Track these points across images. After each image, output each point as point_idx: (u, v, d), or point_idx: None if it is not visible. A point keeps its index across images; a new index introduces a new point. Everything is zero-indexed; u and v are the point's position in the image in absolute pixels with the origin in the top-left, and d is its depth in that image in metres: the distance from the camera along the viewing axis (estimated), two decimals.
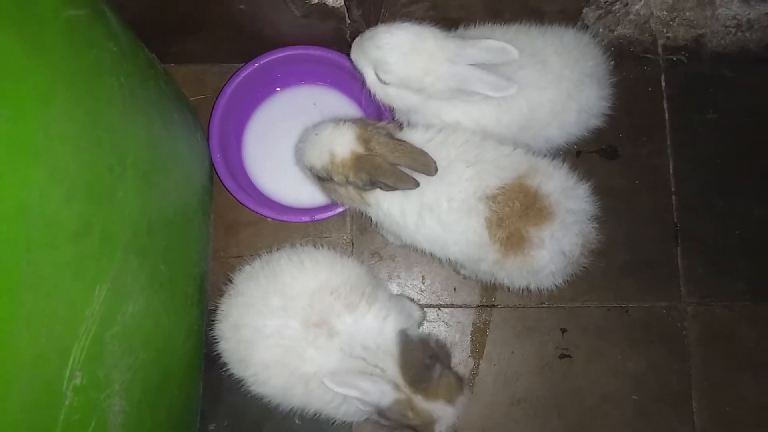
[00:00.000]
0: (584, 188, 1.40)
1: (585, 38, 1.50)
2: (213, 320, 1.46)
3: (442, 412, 1.32)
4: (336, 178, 1.39)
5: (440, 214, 1.35)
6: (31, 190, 0.80)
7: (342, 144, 1.36)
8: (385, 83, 1.43)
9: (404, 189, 1.33)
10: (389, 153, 1.33)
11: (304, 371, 1.30)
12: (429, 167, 1.31)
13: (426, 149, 1.35)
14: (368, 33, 1.41)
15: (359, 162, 1.34)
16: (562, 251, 1.35)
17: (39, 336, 0.82)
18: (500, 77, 1.32)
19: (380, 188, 1.36)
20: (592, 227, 1.41)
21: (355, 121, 1.40)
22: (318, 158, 1.40)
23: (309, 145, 1.42)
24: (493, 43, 1.33)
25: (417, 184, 1.31)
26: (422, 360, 1.31)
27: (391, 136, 1.37)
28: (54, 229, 0.85)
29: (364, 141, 1.35)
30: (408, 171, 1.32)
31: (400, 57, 1.36)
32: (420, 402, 1.30)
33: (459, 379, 1.39)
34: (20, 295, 0.78)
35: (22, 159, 0.78)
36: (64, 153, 0.88)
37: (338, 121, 1.41)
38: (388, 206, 1.40)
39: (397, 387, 1.29)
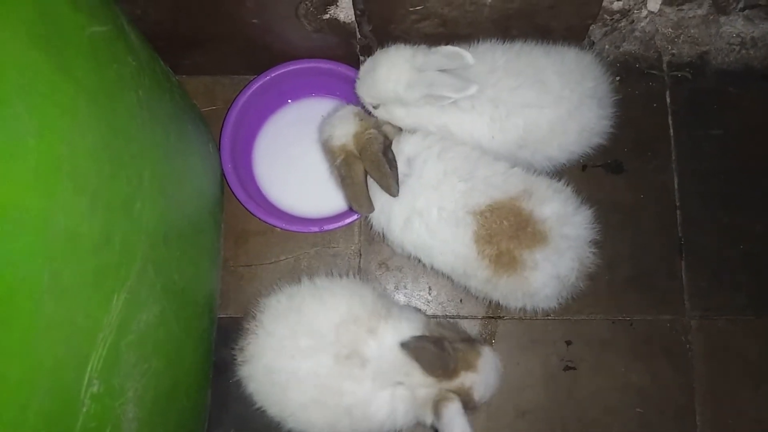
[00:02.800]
0: (585, 214, 1.41)
1: (587, 58, 1.52)
2: (239, 359, 1.46)
3: (470, 381, 1.34)
4: (326, 157, 1.53)
5: (429, 221, 1.39)
6: (55, 202, 0.82)
7: (340, 132, 1.47)
8: (375, 107, 1.54)
9: (355, 210, 1.45)
10: (368, 163, 1.41)
11: (346, 404, 1.32)
12: (389, 190, 1.38)
13: (422, 157, 1.43)
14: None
15: (346, 159, 1.45)
16: (557, 275, 1.37)
17: (59, 344, 0.84)
18: (460, 79, 1.38)
19: (340, 188, 1.51)
20: (590, 252, 1.42)
21: (364, 118, 1.51)
22: (323, 133, 1.53)
23: (326, 120, 1.55)
24: (449, 48, 1.40)
25: (369, 211, 1.43)
26: (433, 352, 1.31)
27: (385, 148, 1.43)
28: (76, 240, 0.87)
29: (357, 141, 1.45)
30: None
31: (368, 77, 1.49)
32: (448, 385, 1.32)
33: (470, 342, 1.40)
34: (42, 304, 0.80)
35: (47, 171, 0.81)
36: (87, 166, 0.91)
37: (356, 111, 1.52)
38: (378, 205, 1.45)
39: (427, 385, 1.31)
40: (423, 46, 1.48)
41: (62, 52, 0.89)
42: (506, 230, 1.33)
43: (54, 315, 0.82)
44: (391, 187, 1.37)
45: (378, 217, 1.48)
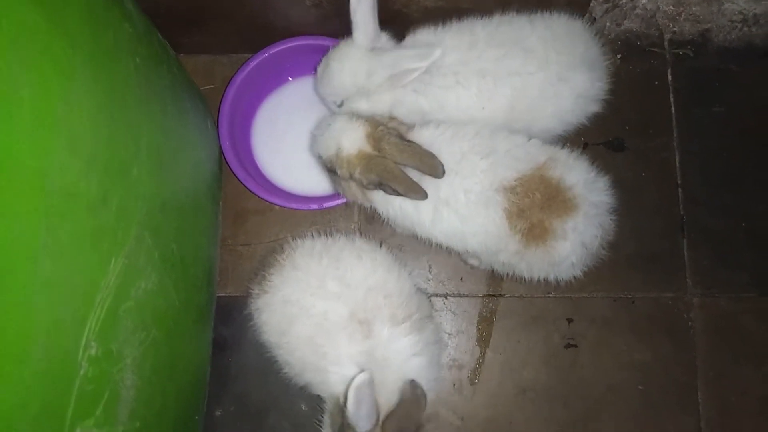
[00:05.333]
0: (604, 181, 1.40)
1: (575, 23, 1.51)
2: (256, 291, 1.44)
3: None
4: (339, 172, 1.41)
5: (458, 207, 1.36)
6: (51, 158, 0.82)
7: (351, 139, 1.38)
8: (339, 105, 1.54)
9: (413, 199, 1.34)
10: (398, 154, 1.35)
11: (325, 351, 1.31)
12: (436, 169, 1.32)
13: (437, 144, 1.37)
14: None
15: (369, 162, 1.36)
16: (583, 243, 1.36)
17: (56, 303, 0.84)
18: (421, 47, 1.38)
19: (385, 192, 1.37)
20: (611, 219, 1.42)
21: (369, 118, 1.42)
22: (326, 149, 1.42)
23: (320, 134, 1.45)
24: (417, 50, 1.40)
25: (426, 196, 1.33)
26: (409, 424, 1.28)
27: (401, 137, 1.39)
28: (73, 198, 0.86)
29: (374, 140, 1.37)
30: (417, 174, 1.34)
31: (325, 76, 1.49)
32: None
33: None
34: (39, 261, 0.79)
35: (43, 127, 0.80)
36: (83, 126, 0.90)
37: (353, 115, 1.43)
38: (401, 203, 1.41)
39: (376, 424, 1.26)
40: (383, 36, 1.48)
41: (58, 11, 0.88)
42: (538, 202, 1.30)
43: (51, 273, 0.82)
44: (436, 166, 1.32)
45: (405, 217, 1.44)
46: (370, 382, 1.20)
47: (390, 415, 1.26)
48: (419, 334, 1.34)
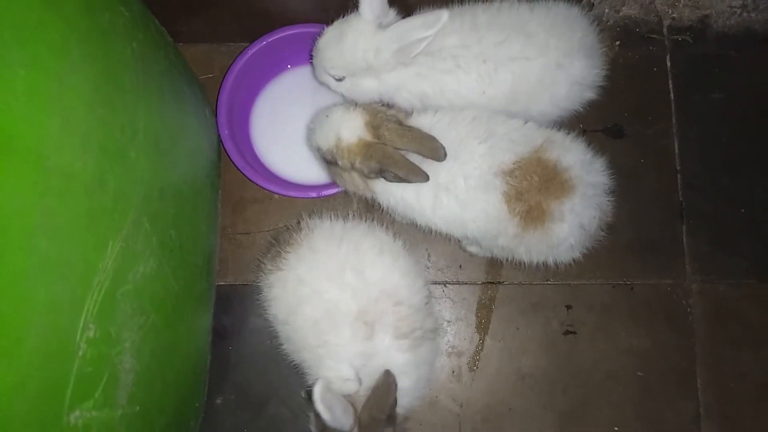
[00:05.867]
0: (601, 162, 1.41)
1: (573, 10, 1.50)
2: (268, 267, 1.43)
3: None
4: (341, 163, 1.40)
5: (458, 193, 1.36)
6: (47, 137, 0.82)
7: (350, 129, 1.37)
8: (339, 79, 1.51)
9: (415, 182, 1.33)
10: (398, 139, 1.34)
11: (327, 339, 1.31)
12: (437, 152, 1.32)
13: (435, 130, 1.37)
14: (314, 46, 1.53)
15: (369, 150, 1.35)
16: (581, 224, 1.36)
17: (53, 282, 0.84)
18: (426, 16, 1.36)
19: (386, 179, 1.37)
20: (608, 200, 1.42)
21: (366, 107, 1.42)
22: (325, 140, 1.42)
23: (318, 126, 1.44)
24: (424, 17, 1.36)
25: (428, 178, 1.32)
26: (380, 413, 1.26)
27: (400, 123, 1.38)
28: (69, 179, 0.86)
29: (373, 128, 1.37)
30: (417, 160, 1.33)
31: (333, 48, 1.46)
32: None
33: None
34: (35, 240, 0.79)
35: (37, 106, 0.80)
36: (78, 106, 0.90)
37: (350, 105, 1.43)
38: (402, 192, 1.41)
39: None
40: (391, 12, 1.46)
41: None
42: (535, 185, 1.30)
43: (48, 252, 0.82)
44: (437, 148, 1.31)
45: (406, 206, 1.44)
46: (327, 387, 1.19)
47: (363, 407, 1.26)
48: (414, 353, 1.34)
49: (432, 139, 1.33)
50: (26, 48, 0.79)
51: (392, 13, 1.46)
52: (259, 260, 1.52)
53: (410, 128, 1.36)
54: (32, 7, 0.82)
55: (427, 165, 1.34)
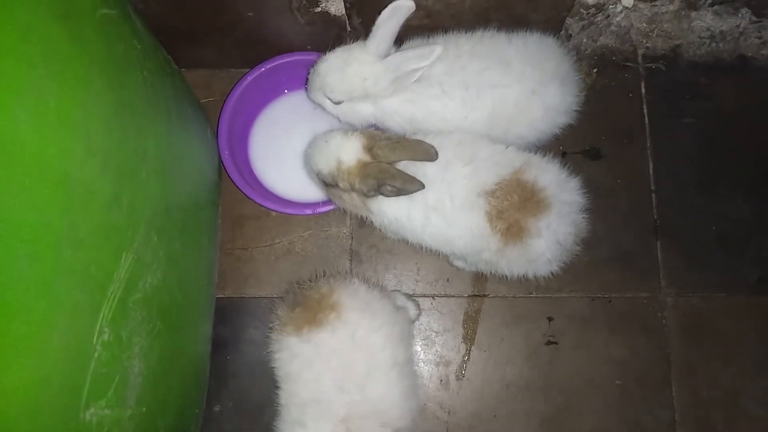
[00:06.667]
0: (575, 181, 1.50)
1: (548, 40, 1.61)
2: (287, 325, 1.43)
3: None
4: (341, 185, 1.49)
5: (445, 212, 1.44)
6: (72, 159, 0.91)
7: (349, 152, 1.46)
8: (337, 102, 1.60)
9: (412, 191, 1.41)
10: (390, 153, 1.44)
11: (305, 421, 1.36)
12: (429, 152, 1.42)
13: (427, 161, 1.45)
14: (311, 69, 1.61)
15: (366, 169, 1.44)
16: (557, 240, 1.45)
17: (76, 289, 0.93)
18: (422, 48, 1.47)
19: (385, 194, 1.45)
20: (583, 218, 1.52)
21: (363, 131, 1.51)
22: (325, 164, 1.50)
23: (318, 151, 1.52)
24: (384, 12, 1.46)
25: (423, 186, 1.40)
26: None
27: (389, 139, 1.49)
28: (90, 196, 0.96)
29: (369, 149, 1.46)
30: (411, 169, 1.42)
31: (336, 74, 1.54)
32: None
33: None
34: (61, 250, 0.89)
35: (65, 131, 0.90)
36: (99, 131, 1.00)
37: (347, 130, 1.52)
38: (396, 212, 1.50)
39: None
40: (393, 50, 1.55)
41: (77, 27, 0.98)
42: (515, 204, 1.40)
43: (71, 262, 0.91)
44: (427, 149, 1.41)
45: (399, 225, 1.52)
46: None
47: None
48: None
49: (420, 143, 1.43)
50: (56, 80, 0.88)
51: (394, 50, 1.56)
52: (276, 303, 1.53)
53: (399, 140, 1.46)
54: (60, 43, 0.92)
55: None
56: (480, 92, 1.52)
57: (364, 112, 1.61)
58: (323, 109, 1.67)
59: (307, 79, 1.66)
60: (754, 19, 1.94)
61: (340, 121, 1.68)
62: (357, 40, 1.58)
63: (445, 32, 1.61)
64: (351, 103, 1.60)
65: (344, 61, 1.53)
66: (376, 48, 1.50)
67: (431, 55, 1.46)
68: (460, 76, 1.52)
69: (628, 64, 2.03)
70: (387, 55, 1.52)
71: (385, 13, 1.47)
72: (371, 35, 1.51)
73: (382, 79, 1.51)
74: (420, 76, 1.52)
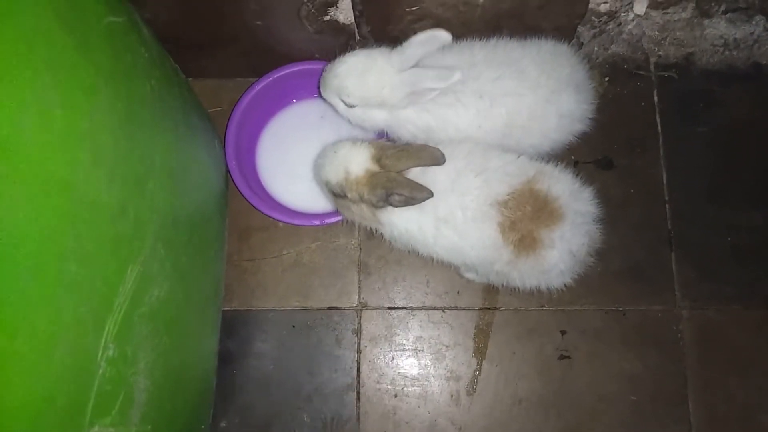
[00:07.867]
0: (589, 191, 1.48)
1: (562, 48, 1.59)
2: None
3: None
4: (350, 195, 1.47)
5: (456, 224, 1.42)
6: (78, 170, 0.89)
7: (358, 163, 1.45)
8: (351, 106, 1.57)
9: (421, 199, 1.38)
10: (398, 162, 1.42)
11: None
12: (436, 156, 1.40)
13: (434, 165, 1.44)
14: (328, 67, 1.58)
15: (374, 179, 1.42)
16: (570, 251, 1.42)
17: (80, 303, 0.90)
18: (442, 69, 1.44)
19: (393, 204, 1.42)
20: (597, 228, 1.49)
21: (371, 141, 1.50)
22: (334, 175, 1.48)
23: (327, 162, 1.51)
24: (422, 35, 1.45)
25: (431, 194, 1.38)
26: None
27: (395, 148, 1.47)
28: (96, 208, 0.93)
29: (377, 160, 1.44)
30: (421, 180, 1.40)
31: (355, 79, 1.51)
32: None
33: None
34: (66, 263, 0.86)
35: (71, 142, 0.87)
36: (105, 141, 0.98)
37: (356, 140, 1.51)
38: (406, 224, 1.48)
39: None
40: (397, 47, 1.52)
41: (83, 35, 0.96)
42: (528, 214, 1.37)
43: (76, 275, 0.88)
44: (434, 153, 1.39)
45: (410, 237, 1.50)
46: None
47: None
48: None
49: (426, 147, 1.41)
50: (62, 90, 0.86)
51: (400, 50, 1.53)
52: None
53: (405, 147, 1.44)
54: (66, 51, 0.89)
55: (427, 203, 1.41)
56: (494, 101, 1.50)
57: (377, 118, 1.58)
58: (334, 109, 1.64)
59: (321, 76, 1.62)
60: None
61: (350, 123, 1.66)
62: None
63: (458, 40, 1.59)
64: (365, 108, 1.57)
65: (365, 67, 1.51)
66: (400, 64, 1.48)
67: (449, 78, 1.43)
68: (474, 85, 1.49)
69: (640, 72, 2.01)
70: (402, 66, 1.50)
71: (422, 36, 1.45)
72: (399, 49, 1.49)
73: (398, 91, 1.49)
74: None
